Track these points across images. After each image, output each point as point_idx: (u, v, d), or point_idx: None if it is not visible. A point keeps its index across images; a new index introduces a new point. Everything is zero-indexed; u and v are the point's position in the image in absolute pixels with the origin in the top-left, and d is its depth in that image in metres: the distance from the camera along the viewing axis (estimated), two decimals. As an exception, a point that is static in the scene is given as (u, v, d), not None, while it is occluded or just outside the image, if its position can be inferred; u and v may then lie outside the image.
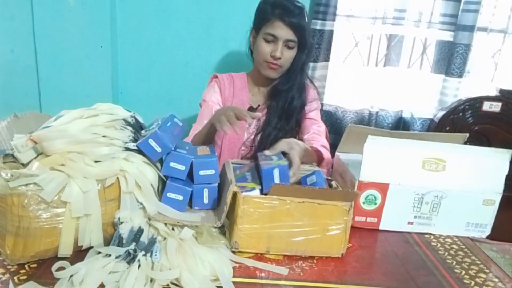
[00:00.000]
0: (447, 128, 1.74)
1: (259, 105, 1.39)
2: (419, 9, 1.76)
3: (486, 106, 1.71)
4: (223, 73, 1.43)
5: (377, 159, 0.95)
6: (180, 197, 0.87)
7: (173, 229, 0.83)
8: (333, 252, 0.84)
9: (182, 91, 1.87)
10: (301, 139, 1.35)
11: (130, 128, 0.88)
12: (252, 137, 1.37)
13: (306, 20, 1.27)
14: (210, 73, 1.82)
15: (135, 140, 0.88)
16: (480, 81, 1.88)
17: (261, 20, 1.29)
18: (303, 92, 1.34)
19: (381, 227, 0.99)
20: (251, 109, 1.38)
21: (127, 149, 0.85)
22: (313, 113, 1.38)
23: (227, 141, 1.36)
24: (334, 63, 1.82)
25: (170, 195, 0.87)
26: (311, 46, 1.34)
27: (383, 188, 0.96)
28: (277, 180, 0.87)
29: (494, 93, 1.74)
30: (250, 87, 1.41)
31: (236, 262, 0.79)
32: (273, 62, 1.27)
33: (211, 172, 0.90)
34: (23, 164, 0.78)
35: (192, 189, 0.89)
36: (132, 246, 0.75)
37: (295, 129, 1.37)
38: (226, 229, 0.86)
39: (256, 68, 1.35)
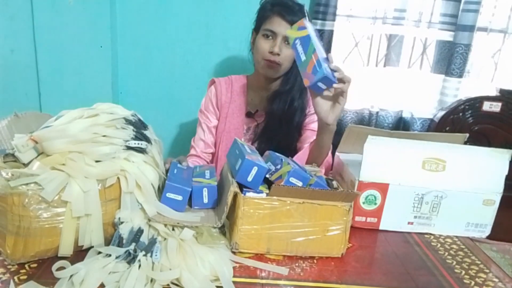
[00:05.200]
0: (447, 128, 1.74)
1: (257, 111, 1.37)
2: (419, 9, 1.76)
3: (486, 106, 1.71)
4: (222, 77, 1.41)
5: (377, 159, 0.96)
6: (180, 197, 0.88)
7: (173, 229, 0.83)
8: (333, 253, 0.84)
9: (182, 91, 1.87)
10: (300, 149, 1.34)
11: (131, 127, 0.88)
12: (249, 143, 1.36)
13: (307, 19, 1.26)
14: (210, 73, 1.83)
15: (137, 138, 0.88)
16: (480, 81, 1.88)
17: (260, 19, 1.29)
18: (304, 93, 1.32)
19: (381, 227, 0.99)
20: (249, 114, 1.37)
21: (128, 147, 0.85)
22: (314, 125, 1.33)
23: (223, 145, 1.36)
24: (334, 63, 1.82)
25: (170, 195, 0.87)
26: None
27: (383, 188, 0.96)
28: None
29: (494, 93, 1.74)
30: (249, 91, 1.39)
31: (236, 262, 0.79)
32: (271, 59, 1.25)
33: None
34: (23, 164, 0.78)
35: (191, 189, 0.89)
36: (132, 246, 0.75)
37: (295, 133, 1.34)
38: (227, 230, 0.87)
39: (257, 70, 1.34)
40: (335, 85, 1.01)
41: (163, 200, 0.87)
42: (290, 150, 1.32)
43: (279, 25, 1.23)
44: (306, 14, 1.26)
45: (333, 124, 1.09)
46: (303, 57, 1.01)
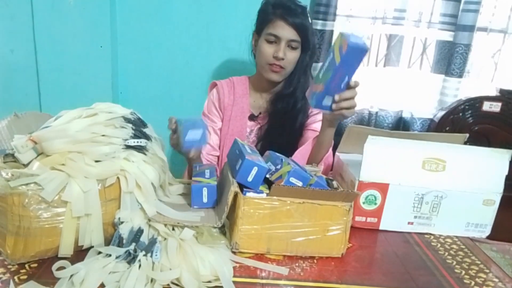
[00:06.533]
0: (447, 128, 1.74)
1: (260, 113, 1.37)
2: (419, 9, 1.76)
3: (486, 106, 1.71)
4: (223, 77, 1.41)
5: (377, 159, 0.96)
6: (200, 130, 0.94)
7: (173, 229, 0.83)
8: (333, 253, 0.84)
9: (182, 91, 1.87)
10: None
11: (130, 125, 0.88)
12: (252, 146, 1.35)
13: (309, 20, 1.25)
14: (210, 73, 1.83)
15: (136, 136, 0.88)
16: (480, 81, 1.88)
17: (262, 22, 1.26)
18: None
19: (381, 227, 0.99)
20: (252, 116, 1.36)
21: (128, 146, 0.85)
22: (316, 125, 1.34)
23: (227, 149, 1.35)
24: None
25: (191, 133, 0.93)
26: (314, 47, 1.31)
27: (383, 188, 0.96)
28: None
29: (494, 93, 1.74)
30: (251, 92, 1.38)
31: (236, 262, 0.79)
32: (276, 64, 1.23)
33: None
34: (23, 164, 0.78)
35: (206, 123, 0.95)
36: (132, 246, 0.75)
37: (298, 134, 1.33)
38: (227, 229, 0.87)
39: (259, 72, 1.32)
40: (334, 110, 1.00)
41: (187, 140, 0.92)
42: (293, 151, 1.32)
43: (282, 29, 1.21)
44: (308, 16, 1.25)
45: (331, 121, 1.10)
46: (321, 72, 0.99)
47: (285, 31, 1.21)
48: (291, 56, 1.24)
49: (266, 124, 1.35)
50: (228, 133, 1.34)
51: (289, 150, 1.29)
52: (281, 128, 1.31)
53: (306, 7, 1.25)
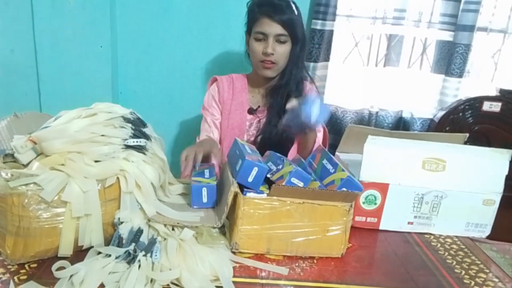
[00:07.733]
0: (447, 128, 1.74)
1: (259, 106, 1.39)
2: (419, 9, 1.76)
3: (486, 106, 1.71)
4: (223, 75, 1.43)
5: (377, 159, 0.95)
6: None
7: (173, 229, 0.83)
8: (333, 253, 0.84)
9: (182, 91, 1.87)
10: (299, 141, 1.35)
11: (129, 125, 0.88)
12: (252, 139, 1.37)
13: (296, 13, 1.28)
14: (210, 73, 1.83)
15: (135, 136, 0.88)
16: (480, 81, 1.88)
17: (250, 21, 1.31)
18: (301, 86, 1.34)
19: (381, 227, 0.99)
20: (251, 110, 1.38)
21: (127, 146, 0.85)
22: None
23: (227, 142, 1.37)
24: (334, 63, 1.82)
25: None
26: (304, 38, 1.34)
27: (383, 188, 0.96)
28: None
29: (494, 93, 1.74)
30: (249, 89, 1.41)
31: (236, 262, 0.79)
32: (267, 60, 1.27)
33: None
34: (23, 164, 0.78)
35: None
36: (132, 246, 0.75)
37: None
38: (226, 230, 0.87)
39: (254, 70, 1.36)
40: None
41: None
42: (291, 143, 1.33)
43: (269, 26, 1.25)
44: (294, 8, 1.27)
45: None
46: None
47: (271, 27, 1.25)
48: (281, 50, 1.27)
49: (265, 117, 1.36)
50: (228, 127, 1.37)
51: (288, 141, 1.32)
52: (279, 120, 1.33)
53: (289, 1, 1.28)
